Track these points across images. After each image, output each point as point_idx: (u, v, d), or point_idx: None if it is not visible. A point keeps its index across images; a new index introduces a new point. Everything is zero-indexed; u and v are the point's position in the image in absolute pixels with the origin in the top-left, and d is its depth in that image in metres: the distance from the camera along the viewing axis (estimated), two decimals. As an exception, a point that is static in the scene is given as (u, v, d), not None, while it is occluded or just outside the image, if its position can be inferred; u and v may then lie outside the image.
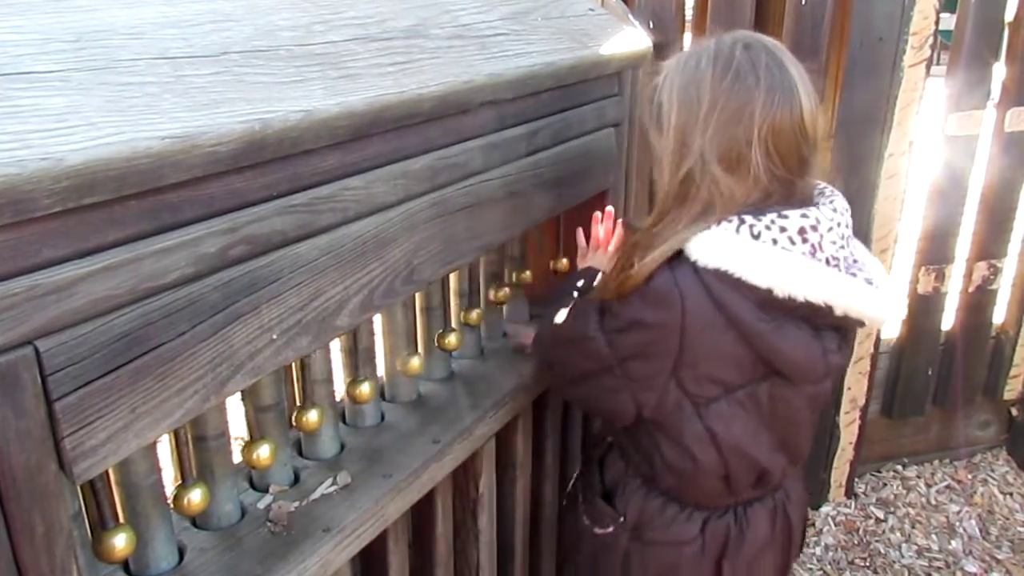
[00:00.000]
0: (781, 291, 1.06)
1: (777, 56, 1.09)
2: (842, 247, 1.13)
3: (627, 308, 1.13)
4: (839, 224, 1.12)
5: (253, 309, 0.85)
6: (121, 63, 0.75)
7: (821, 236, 1.09)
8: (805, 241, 1.08)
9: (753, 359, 1.13)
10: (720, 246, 1.07)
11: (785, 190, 1.10)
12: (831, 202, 1.14)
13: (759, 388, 1.17)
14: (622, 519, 1.32)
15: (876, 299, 1.13)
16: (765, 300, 1.08)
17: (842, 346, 1.18)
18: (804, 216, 1.08)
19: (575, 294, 1.36)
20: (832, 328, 1.16)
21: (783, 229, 1.07)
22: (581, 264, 1.51)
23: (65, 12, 0.79)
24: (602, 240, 1.49)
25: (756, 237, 1.07)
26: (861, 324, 1.17)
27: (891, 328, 2.70)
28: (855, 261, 1.16)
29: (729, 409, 1.17)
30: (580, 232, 1.54)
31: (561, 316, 1.30)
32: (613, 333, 1.16)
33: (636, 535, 1.31)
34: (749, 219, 1.07)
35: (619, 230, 1.50)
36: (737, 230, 1.07)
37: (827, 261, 1.10)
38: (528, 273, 1.70)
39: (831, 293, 1.08)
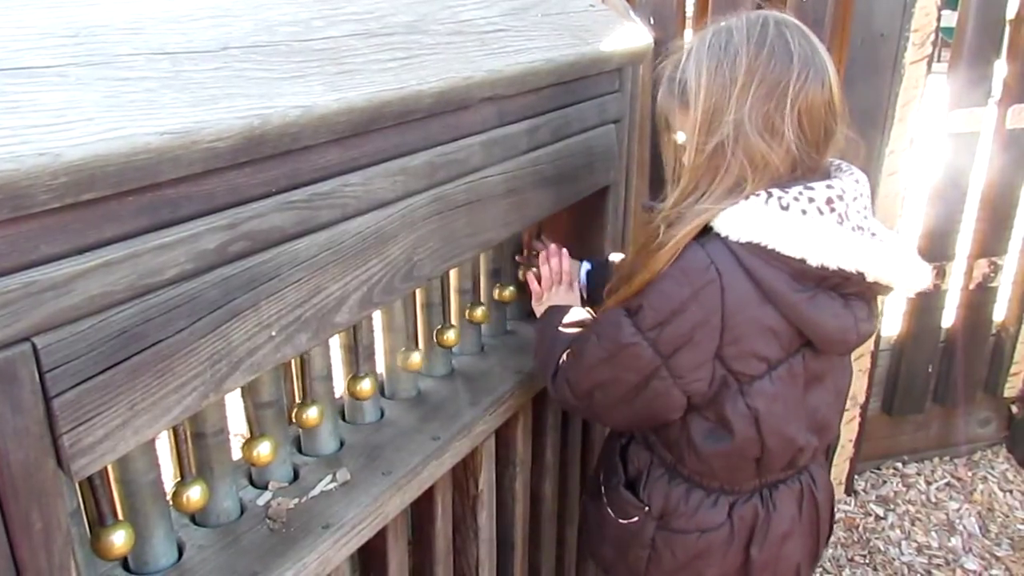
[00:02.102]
0: (814, 260, 1.07)
1: (805, 33, 1.12)
2: (865, 217, 1.14)
3: (662, 297, 1.10)
4: (862, 195, 1.14)
5: (252, 306, 0.84)
6: (120, 58, 0.74)
7: (847, 205, 1.10)
8: (833, 211, 1.09)
9: (790, 332, 1.13)
10: (751, 219, 1.07)
11: (810, 163, 1.12)
12: (851, 174, 1.15)
13: (795, 361, 1.16)
14: (647, 508, 1.30)
15: (905, 265, 1.15)
16: (798, 271, 1.08)
17: (870, 315, 1.19)
18: (829, 187, 1.10)
19: (563, 331, 1.33)
20: (859, 297, 1.16)
21: (811, 199, 1.08)
22: (539, 306, 1.47)
23: (63, 7, 0.78)
24: (557, 275, 1.49)
25: (785, 208, 1.07)
26: (888, 291, 1.18)
27: (892, 325, 2.70)
28: (873, 234, 1.16)
29: (772, 387, 1.15)
30: (531, 275, 1.53)
31: (579, 343, 1.24)
32: (654, 330, 1.11)
33: (663, 524, 1.29)
34: (776, 192, 1.08)
35: (567, 263, 1.51)
36: (766, 202, 1.08)
37: (853, 230, 1.11)
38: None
39: (863, 260, 1.09)
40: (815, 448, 1.26)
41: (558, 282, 1.50)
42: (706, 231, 1.11)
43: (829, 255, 1.07)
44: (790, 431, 1.19)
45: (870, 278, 1.11)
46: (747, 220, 1.08)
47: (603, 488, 1.40)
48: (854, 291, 1.14)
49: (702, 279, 1.08)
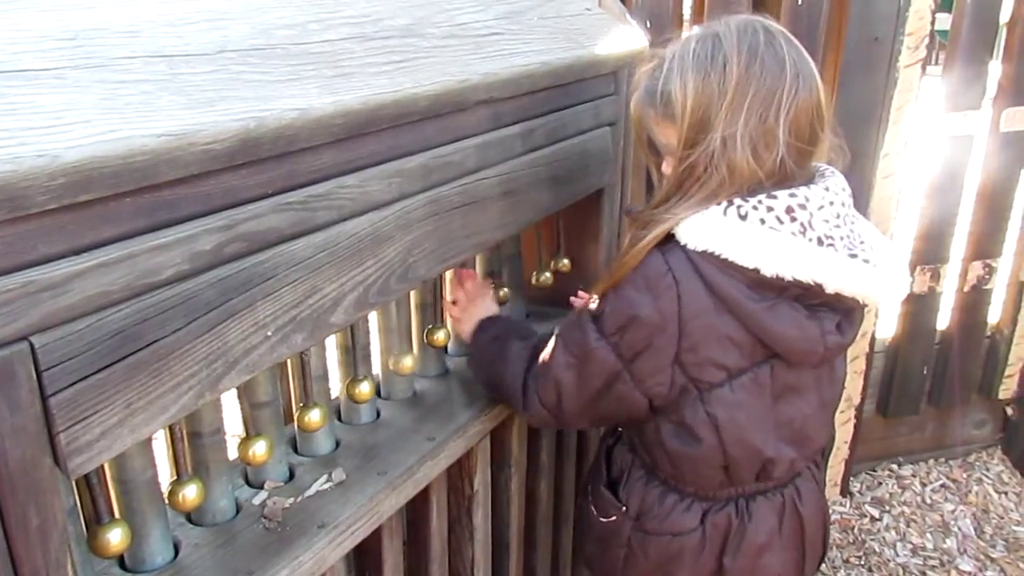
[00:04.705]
0: (768, 270, 1.06)
1: (791, 38, 1.11)
2: (838, 226, 1.11)
3: (622, 303, 1.12)
4: (832, 203, 1.11)
5: (248, 306, 0.85)
6: (117, 61, 0.75)
7: (811, 214, 1.08)
8: (794, 220, 1.07)
9: (752, 341, 1.12)
10: (707, 228, 1.07)
11: (797, 169, 1.10)
12: (824, 180, 1.13)
13: (761, 371, 1.15)
14: (624, 508, 1.31)
15: (871, 278, 1.11)
16: (755, 280, 1.07)
17: (843, 327, 1.17)
18: (792, 195, 1.08)
19: (498, 341, 1.35)
20: (829, 308, 1.14)
21: (770, 208, 1.07)
22: (465, 325, 1.44)
23: (62, 10, 0.79)
24: (472, 295, 1.47)
25: (743, 218, 1.06)
26: (862, 304, 1.16)
27: (887, 327, 2.71)
28: (862, 241, 1.14)
29: (733, 395, 1.15)
30: (447, 302, 1.50)
31: (545, 353, 1.25)
32: (615, 336, 1.13)
33: (638, 525, 1.30)
34: (738, 200, 1.07)
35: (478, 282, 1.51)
36: (725, 212, 1.07)
37: (819, 240, 1.08)
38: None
39: (819, 271, 1.07)
40: (793, 460, 1.24)
41: (472, 300, 1.47)
42: (671, 239, 1.11)
43: (783, 266, 1.06)
44: (755, 441, 1.18)
45: (830, 290, 1.09)
46: (704, 229, 1.07)
47: (589, 487, 1.42)
48: (819, 302, 1.12)
49: (660, 286, 1.09)
